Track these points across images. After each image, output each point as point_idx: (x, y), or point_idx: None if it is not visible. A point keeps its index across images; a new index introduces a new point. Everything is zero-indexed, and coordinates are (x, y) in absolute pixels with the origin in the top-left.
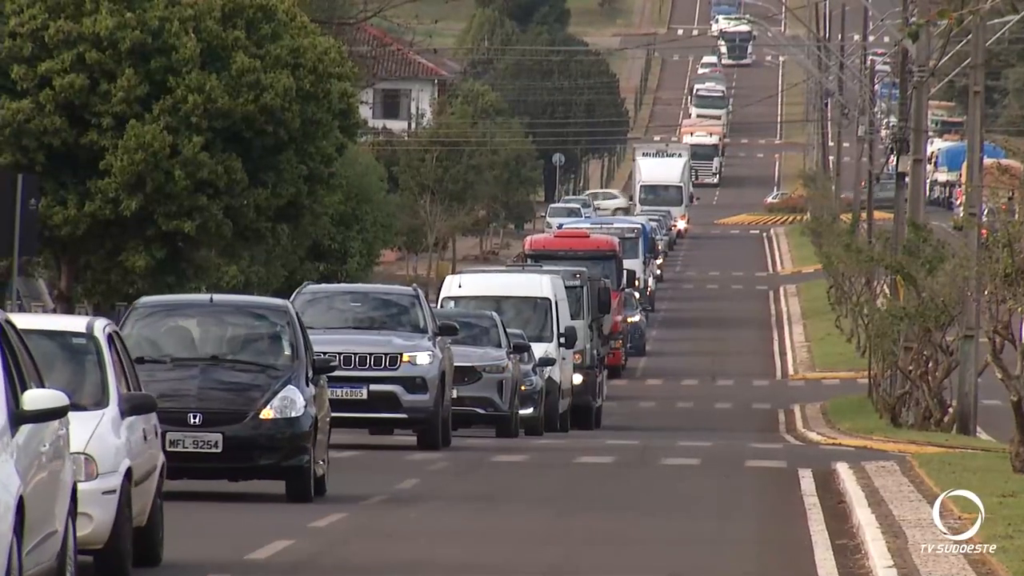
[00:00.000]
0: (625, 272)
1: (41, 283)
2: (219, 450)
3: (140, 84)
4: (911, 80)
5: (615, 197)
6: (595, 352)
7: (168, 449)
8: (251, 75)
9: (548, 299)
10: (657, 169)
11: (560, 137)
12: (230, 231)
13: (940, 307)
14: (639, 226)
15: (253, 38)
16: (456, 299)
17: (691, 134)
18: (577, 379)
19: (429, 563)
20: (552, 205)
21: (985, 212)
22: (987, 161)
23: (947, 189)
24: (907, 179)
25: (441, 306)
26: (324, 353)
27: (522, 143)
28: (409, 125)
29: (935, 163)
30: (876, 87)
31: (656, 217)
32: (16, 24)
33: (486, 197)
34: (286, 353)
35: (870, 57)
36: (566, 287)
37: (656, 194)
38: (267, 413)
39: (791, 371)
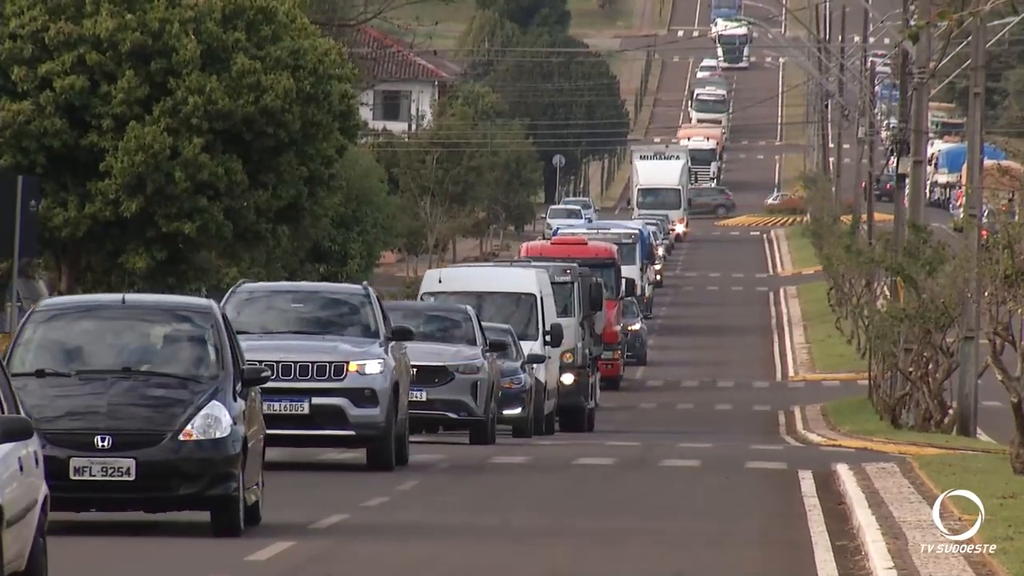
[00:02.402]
0: (624, 280)
1: (42, 285)
2: (132, 478)
3: (140, 86)
4: (911, 82)
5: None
6: (587, 351)
7: (73, 478)
8: (251, 77)
9: (533, 295)
10: (655, 172)
11: (560, 139)
12: (230, 232)
13: (940, 308)
14: (636, 231)
15: (253, 40)
16: (436, 295)
17: (688, 139)
18: (568, 379)
19: (430, 565)
20: (552, 207)
21: (985, 214)
22: (987, 163)
23: (946, 191)
24: (907, 180)
25: (422, 300)
26: (260, 361)
27: (522, 145)
28: (409, 127)
29: (935, 165)
30: (876, 89)
31: (654, 221)
32: (17, 26)
33: (486, 199)
34: (211, 362)
35: (870, 59)
36: (556, 283)
37: (654, 197)
38: (188, 433)
39: (791, 373)
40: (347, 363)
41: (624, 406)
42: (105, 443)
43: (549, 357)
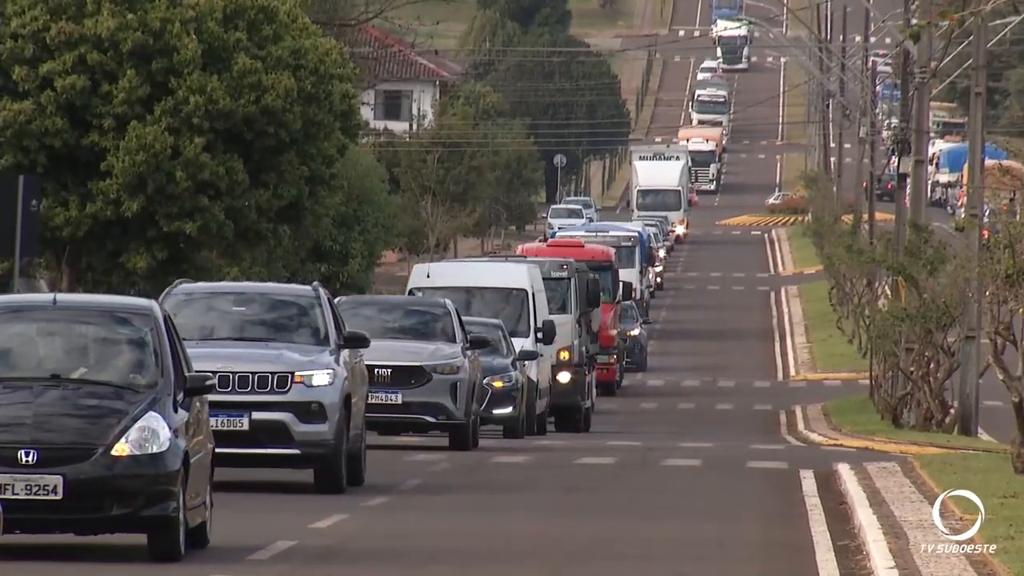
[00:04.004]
0: (622, 284)
1: (42, 284)
2: (59, 497)
3: (141, 85)
4: (912, 81)
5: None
6: (583, 349)
7: None
8: (252, 76)
9: (524, 290)
10: (655, 173)
11: (561, 138)
12: (231, 232)
13: (941, 308)
14: (635, 234)
15: (254, 39)
16: (424, 290)
17: (687, 140)
18: (565, 378)
19: (429, 565)
20: (553, 206)
21: (986, 213)
22: (988, 162)
23: (947, 190)
24: (908, 180)
25: (409, 295)
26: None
27: (523, 144)
28: (410, 126)
29: (936, 164)
30: (877, 88)
31: (653, 222)
32: (18, 25)
33: (487, 198)
34: (150, 368)
35: (871, 58)
36: (552, 279)
37: (654, 198)
38: (121, 448)
39: (792, 372)
40: (292, 374)
41: (623, 409)
42: (30, 458)
43: (541, 355)
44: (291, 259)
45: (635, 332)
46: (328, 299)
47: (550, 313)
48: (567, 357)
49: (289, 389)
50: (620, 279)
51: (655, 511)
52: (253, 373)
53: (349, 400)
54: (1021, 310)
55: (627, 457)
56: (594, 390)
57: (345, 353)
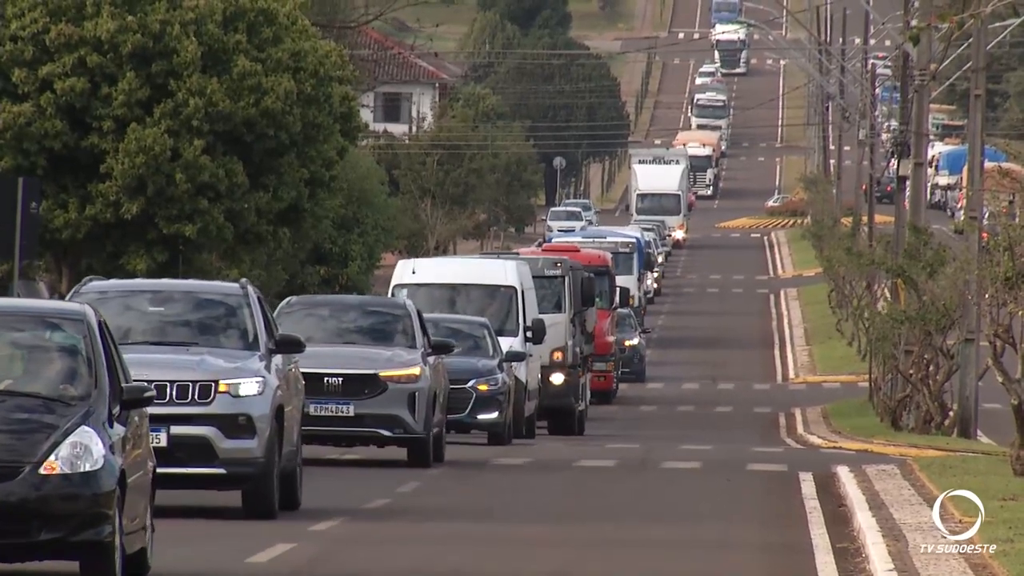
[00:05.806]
0: (619, 290)
1: (42, 286)
2: None
3: (141, 87)
4: (912, 84)
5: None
6: (578, 349)
7: None
8: (252, 79)
9: (513, 288)
10: (654, 177)
11: (561, 141)
12: (231, 234)
13: (941, 311)
14: (634, 240)
15: (254, 42)
16: (408, 286)
17: (684, 145)
18: (558, 379)
19: (429, 569)
20: (552, 208)
21: (986, 216)
22: (988, 165)
23: (946, 193)
24: (908, 183)
25: (392, 295)
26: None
27: (523, 147)
28: (410, 128)
29: (936, 167)
30: (877, 91)
31: (650, 226)
32: (17, 27)
33: (487, 201)
34: (83, 378)
35: (871, 61)
36: (546, 277)
37: (654, 203)
38: (51, 466)
39: (792, 374)
40: (216, 382)
41: (621, 413)
42: None
43: (530, 355)
44: (291, 261)
45: (633, 341)
46: (258, 298)
47: (544, 312)
48: (560, 358)
49: (212, 400)
50: (616, 285)
51: (655, 513)
52: (172, 382)
53: (282, 412)
54: (1020, 312)
55: (627, 460)
56: (588, 392)
57: (277, 359)
